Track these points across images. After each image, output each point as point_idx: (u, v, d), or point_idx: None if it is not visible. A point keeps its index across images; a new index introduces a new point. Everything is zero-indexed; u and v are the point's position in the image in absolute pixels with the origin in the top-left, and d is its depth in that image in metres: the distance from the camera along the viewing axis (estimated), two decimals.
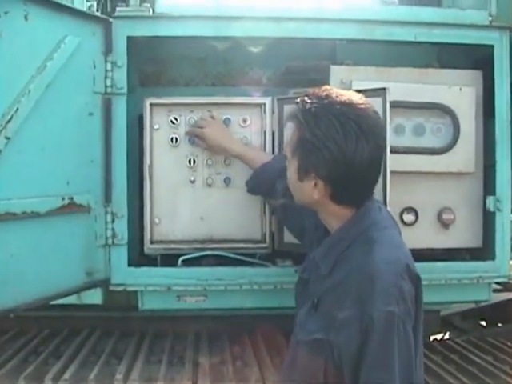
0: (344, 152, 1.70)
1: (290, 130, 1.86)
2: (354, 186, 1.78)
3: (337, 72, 2.76)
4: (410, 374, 1.70)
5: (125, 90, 2.62)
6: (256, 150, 2.65)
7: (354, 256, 1.77)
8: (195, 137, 2.65)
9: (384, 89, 2.40)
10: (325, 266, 1.87)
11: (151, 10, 2.63)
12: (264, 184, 2.44)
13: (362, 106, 1.77)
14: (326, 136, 1.71)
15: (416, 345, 1.73)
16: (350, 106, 1.75)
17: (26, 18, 2.27)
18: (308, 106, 1.77)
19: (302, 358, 1.91)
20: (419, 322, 1.77)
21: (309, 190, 1.80)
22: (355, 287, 1.71)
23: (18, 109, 2.24)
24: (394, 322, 1.66)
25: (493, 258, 2.77)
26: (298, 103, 1.82)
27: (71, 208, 2.48)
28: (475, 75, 2.83)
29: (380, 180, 1.95)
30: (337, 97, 1.77)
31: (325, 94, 1.78)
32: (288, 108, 2.62)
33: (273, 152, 2.67)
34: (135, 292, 2.71)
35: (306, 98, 1.79)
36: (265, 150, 2.67)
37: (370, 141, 1.73)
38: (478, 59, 2.88)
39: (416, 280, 1.75)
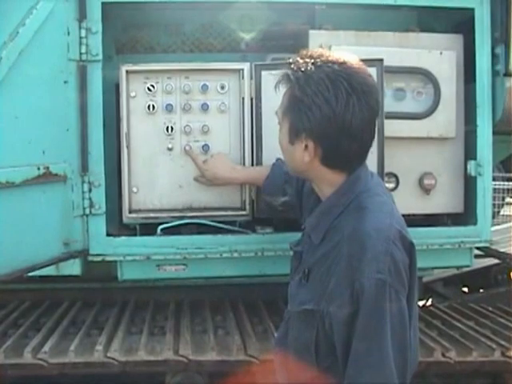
0: (334, 110, 1.66)
1: (281, 91, 1.81)
2: (344, 148, 1.72)
3: (316, 37, 2.72)
4: (404, 345, 1.66)
5: (100, 57, 2.57)
6: (257, 169, 2.59)
7: (344, 224, 1.74)
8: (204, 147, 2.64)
9: (381, 60, 2.36)
10: (316, 235, 1.84)
11: None
12: (275, 198, 2.39)
13: (355, 66, 1.72)
14: (316, 94, 1.67)
15: (410, 314, 1.70)
16: (342, 64, 1.70)
17: None
18: (299, 65, 1.73)
19: (294, 330, 1.89)
20: (413, 290, 1.72)
21: (299, 153, 1.75)
22: (346, 255, 1.68)
23: None
24: (385, 290, 1.62)
25: (474, 222, 2.77)
26: (289, 63, 1.78)
27: (47, 177, 2.43)
28: (456, 39, 2.81)
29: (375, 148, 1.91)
30: (329, 56, 1.73)
31: (317, 53, 1.75)
32: (268, 74, 2.57)
33: (251, 119, 2.63)
34: (114, 262, 2.68)
35: (298, 58, 1.76)
36: (243, 116, 2.63)
37: (362, 100, 1.69)
38: (459, 23, 2.85)
39: (409, 247, 1.71)
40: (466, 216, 2.83)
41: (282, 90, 1.80)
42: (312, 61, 1.72)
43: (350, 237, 1.69)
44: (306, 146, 1.73)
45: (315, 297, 1.78)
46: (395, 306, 1.64)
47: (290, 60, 1.78)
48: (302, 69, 1.71)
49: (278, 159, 2.40)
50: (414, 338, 1.75)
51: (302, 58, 1.74)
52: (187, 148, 2.63)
